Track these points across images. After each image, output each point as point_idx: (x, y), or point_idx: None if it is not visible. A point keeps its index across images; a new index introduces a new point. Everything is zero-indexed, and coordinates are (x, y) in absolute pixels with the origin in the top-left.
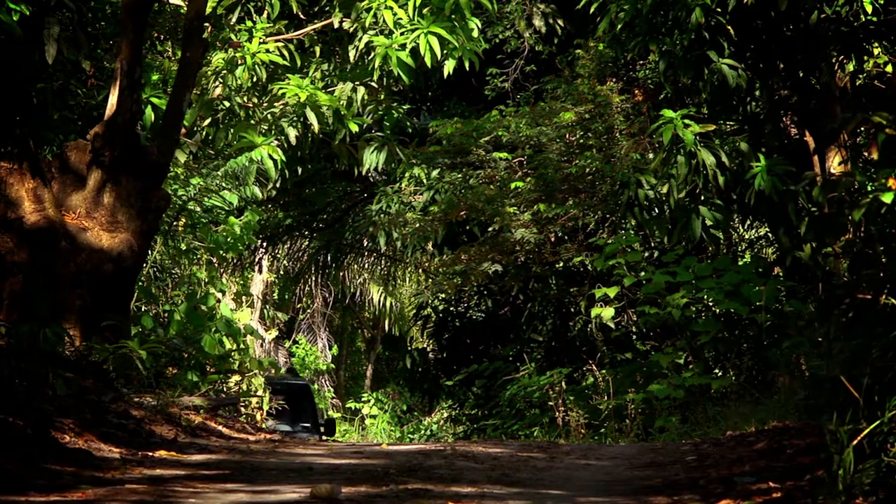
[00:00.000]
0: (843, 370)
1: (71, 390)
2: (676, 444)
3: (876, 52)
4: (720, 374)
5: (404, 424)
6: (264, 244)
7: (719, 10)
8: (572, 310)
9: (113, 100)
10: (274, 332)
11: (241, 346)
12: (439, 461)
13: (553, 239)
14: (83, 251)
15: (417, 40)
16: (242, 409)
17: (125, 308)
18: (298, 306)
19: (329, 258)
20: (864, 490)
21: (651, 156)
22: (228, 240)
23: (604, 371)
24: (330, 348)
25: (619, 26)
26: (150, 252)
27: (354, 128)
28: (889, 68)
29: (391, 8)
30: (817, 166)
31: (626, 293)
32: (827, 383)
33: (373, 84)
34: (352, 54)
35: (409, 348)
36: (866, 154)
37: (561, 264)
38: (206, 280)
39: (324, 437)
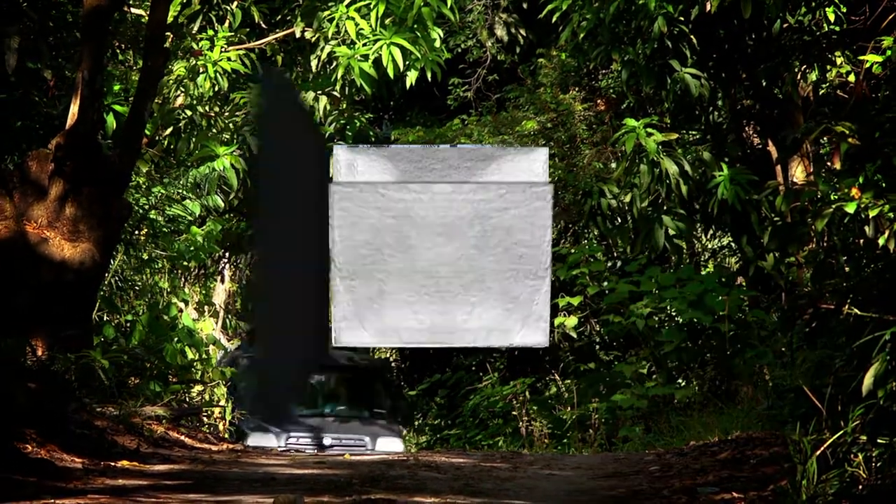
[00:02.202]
0: (807, 380)
1: (33, 400)
2: (640, 454)
3: (839, 61)
4: (683, 383)
5: None
6: (226, 254)
7: (682, 19)
8: None
9: (74, 109)
10: (236, 342)
11: (204, 355)
12: (402, 471)
13: None
14: (45, 261)
15: (380, 51)
16: (205, 419)
17: (87, 318)
18: None
19: None
20: (828, 500)
21: (614, 165)
22: (190, 249)
23: (567, 381)
24: None
25: (582, 35)
26: (111, 262)
27: None
28: (851, 78)
29: (353, 18)
30: (780, 176)
31: (589, 303)
32: (790, 393)
33: (335, 93)
34: (314, 64)
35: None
36: (829, 163)
37: None
38: (169, 290)
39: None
